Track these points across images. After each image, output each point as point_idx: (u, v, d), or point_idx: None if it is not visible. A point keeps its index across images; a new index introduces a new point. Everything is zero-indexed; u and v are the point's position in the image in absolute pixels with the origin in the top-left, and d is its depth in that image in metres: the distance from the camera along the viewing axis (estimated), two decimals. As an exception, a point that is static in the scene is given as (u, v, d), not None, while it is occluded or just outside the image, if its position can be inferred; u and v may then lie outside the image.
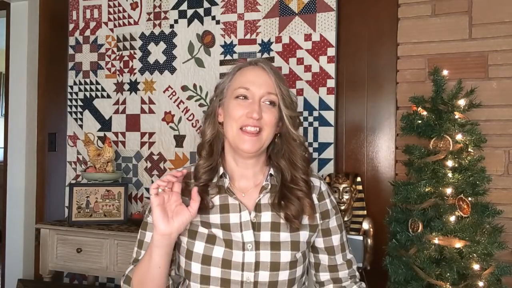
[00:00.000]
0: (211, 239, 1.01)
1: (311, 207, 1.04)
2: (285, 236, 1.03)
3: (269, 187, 1.06)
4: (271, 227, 1.03)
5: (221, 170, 1.07)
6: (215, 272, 0.98)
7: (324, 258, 1.11)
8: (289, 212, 1.02)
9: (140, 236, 1.09)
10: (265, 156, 1.10)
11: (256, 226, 1.02)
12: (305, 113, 2.09)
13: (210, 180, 1.06)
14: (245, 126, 1.01)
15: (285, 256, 1.01)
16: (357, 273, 1.15)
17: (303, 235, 1.05)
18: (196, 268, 0.99)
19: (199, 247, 1.00)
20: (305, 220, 1.05)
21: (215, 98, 1.10)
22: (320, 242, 1.10)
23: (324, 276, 1.12)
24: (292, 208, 1.02)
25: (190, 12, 2.33)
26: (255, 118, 0.99)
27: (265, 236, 1.02)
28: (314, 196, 1.09)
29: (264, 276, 0.99)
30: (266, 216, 1.04)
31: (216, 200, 1.05)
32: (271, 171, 1.08)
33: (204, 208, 1.02)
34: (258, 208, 1.04)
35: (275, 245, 1.01)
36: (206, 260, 0.99)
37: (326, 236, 1.10)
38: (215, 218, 1.03)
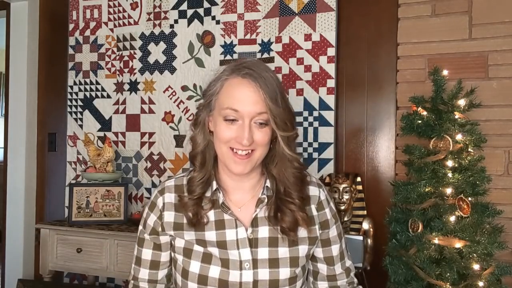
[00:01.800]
0: (207, 258, 0.97)
1: (304, 220, 0.99)
2: (283, 251, 0.99)
3: (265, 200, 1.01)
4: (269, 242, 0.99)
5: (215, 185, 1.01)
6: None
7: (323, 268, 1.09)
8: (284, 225, 0.98)
9: (137, 253, 1.06)
10: (260, 166, 1.04)
11: (253, 243, 0.98)
12: (305, 113, 2.09)
13: (203, 193, 1.01)
14: (235, 148, 0.95)
15: (284, 273, 0.98)
16: (355, 279, 1.13)
17: (302, 249, 1.01)
18: None
19: (194, 266, 0.97)
20: (303, 233, 1.02)
21: (203, 107, 1.01)
22: (319, 252, 1.08)
23: (322, 285, 1.10)
24: (287, 220, 0.98)
25: (190, 12, 2.33)
26: (246, 145, 0.93)
27: (263, 253, 0.98)
28: (313, 207, 1.05)
29: None
30: (264, 231, 1.00)
31: (211, 215, 1.00)
32: (268, 183, 1.03)
33: (198, 225, 0.98)
34: (255, 222, 1.00)
35: (273, 262, 0.98)
36: (203, 280, 0.96)
37: (325, 247, 1.07)
38: (210, 235, 0.99)
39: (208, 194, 1.01)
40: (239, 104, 0.93)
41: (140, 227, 1.06)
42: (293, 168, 1.00)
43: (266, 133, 0.95)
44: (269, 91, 0.92)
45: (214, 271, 0.96)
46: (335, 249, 1.08)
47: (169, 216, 1.02)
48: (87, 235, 2.18)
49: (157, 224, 1.02)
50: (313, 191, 1.06)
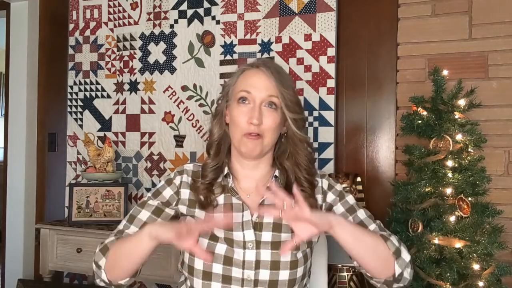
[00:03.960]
0: (214, 237, 1.03)
1: (314, 207, 1.05)
2: (285, 236, 1.04)
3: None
4: (272, 227, 1.05)
5: (226, 170, 1.10)
6: (217, 268, 1.01)
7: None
8: None
9: (133, 211, 1.11)
10: (271, 158, 1.12)
11: (258, 226, 1.05)
12: (305, 113, 2.08)
13: (215, 179, 1.09)
14: (247, 132, 1.03)
15: (286, 255, 1.02)
16: (386, 231, 1.10)
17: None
18: (199, 264, 1.02)
19: (202, 243, 1.02)
20: None
21: (222, 99, 1.12)
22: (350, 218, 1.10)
23: None
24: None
25: (190, 12, 2.33)
26: (255, 124, 1.01)
27: (266, 236, 1.04)
28: (319, 197, 1.11)
29: (264, 274, 1.01)
30: (269, 216, 1.05)
31: (221, 199, 1.08)
32: (276, 173, 1.10)
33: (208, 207, 1.06)
34: (261, 208, 1.06)
35: (275, 245, 1.03)
36: None
37: (351, 213, 1.10)
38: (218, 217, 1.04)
39: (219, 179, 1.09)
40: (251, 87, 1.04)
41: (149, 194, 1.12)
42: (305, 149, 1.07)
43: (275, 117, 1.04)
44: (281, 78, 1.04)
45: (220, 249, 1.02)
46: (360, 214, 1.11)
47: (185, 194, 1.10)
48: (87, 235, 2.18)
49: (173, 198, 1.11)
50: (317, 181, 1.12)
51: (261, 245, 1.02)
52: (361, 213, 1.12)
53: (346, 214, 1.11)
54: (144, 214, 1.09)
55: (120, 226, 1.12)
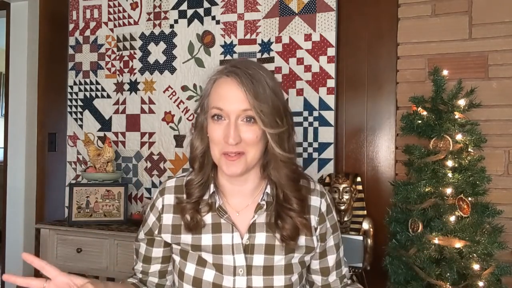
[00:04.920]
0: (202, 261, 0.97)
1: (304, 226, 0.97)
2: (279, 259, 0.97)
3: (265, 206, 0.98)
4: (265, 250, 0.97)
5: (212, 188, 1.00)
6: None
7: (317, 279, 1.07)
8: (284, 233, 0.95)
9: (135, 246, 1.10)
10: (259, 169, 1.00)
11: (249, 249, 0.97)
12: (305, 113, 2.09)
13: (201, 196, 0.99)
14: (226, 152, 0.92)
15: (279, 280, 0.96)
16: (348, 281, 1.11)
17: (296, 256, 0.99)
18: None
19: (190, 268, 0.98)
20: (301, 241, 0.99)
21: (200, 110, 1.00)
22: (315, 264, 1.06)
23: None
24: (287, 228, 0.95)
25: (190, 12, 2.33)
26: (232, 144, 0.90)
27: (258, 259, 0.96)
28: (314, 218, 1.02)
29: None
30: (261, 238, 0.97)
31: (208, 218, 0.99)
32: (268, 190, 1.00)
33: (195, 228, 0.98)
34: (252, 228, 0.98)
35: (268, 270, 0.96)
36: (197, 282, 0.97)
37: (322, 258, 1.06)
38: (207, 238, 0.98)
39: (206, 197, 1.00)
40: (223, 102, 0.91)
41: (141, 226, 1.09)
42: (285, 168, 0.96)
43: (255, 131, 0.91)
44: (253, 87, 0.90)
45: (209, 275, 0.96)
46: (331, 260, 1.06)
47: (168, 219, 1.01)
48: (87, 235, 2.18)
49: (155, 225, 1.03)
50: (314, 201, 1.03)
51: (252, 271, 0.96)
52: (342, 251, 1.09)
53: (333, 249, 1.06)
54: (142, 248, 1.07)
55: (134, 262, 1.11)
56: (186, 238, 0.99)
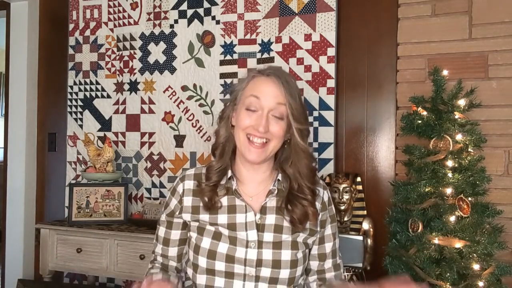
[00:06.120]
0: (217, 236, 1.08)
1: (314, 215, 1.09)
2: (286, 237, 1.09)
3: (276, 192, 1.11)
4: (274, 229, 1.09)
5: (229, 173, 1.12)
6: (220, 266, 1.06)
7: (314, 264, 1.17)
8: (294, 216, 1.07)
9: (156, 231, 1.20)
10: (272, 161, 1.15)
11: (260, 227, 1.08)
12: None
13: (219, 181, 1.12)
14: (252, 136, 1.06)
15: (286, 254, 1.07)
16: (342, 275, 1.21)
17: (301, 236, 1.11)
18: (202, 262, 1.07)
19: (205, 242, 1.08)
20: (307, 225, 1.11)
21: (230, 102, 1.14)
22: (315, 249, 1.17)
23: (312, 278, 1.19)
24: (297, 212, 1.07)
25: (190, 12, 2.33)
26: (261, 132, 1.04)
27: (268, 236, 1.08)
28: (318, 205, 1.14)
29: (265, 272, 1.06)
30: (271, 219, 1.09)
31: (224, 200, 1.11)
32: (279, 177, 1.13)
33: (213, 208, 1.10)
34: (263, 210, 1.10)
35: (277, 245, 1.08)
36: (212, 254, 1.07)
37: (320, 244, 1.16)
38: (222, 218, 1.10)
39: (223, 182, 1.12)
40: (261, 93, 1.06)
41: (163, 209, 1.20)
42: (306, 159, 1.10)
43: (281, 126, 1.07)
44: (290, 88, 1.06)
45: (223, 247, 1.07)
46: (328, 247, 1.17)
47: (188, 201, 1.14)
48: (87, 235, 2.18)
49: (177, 207, 1.15)
50: (319, 191, 1.16)
51: (263, 245, 1.07)
52: (337, 243, 1.20)
53: (330, 237, 1.17)
54: (161, 231, 1.18)
55: (153, 246, 1.21)
56: (204, 217, 1.11)
